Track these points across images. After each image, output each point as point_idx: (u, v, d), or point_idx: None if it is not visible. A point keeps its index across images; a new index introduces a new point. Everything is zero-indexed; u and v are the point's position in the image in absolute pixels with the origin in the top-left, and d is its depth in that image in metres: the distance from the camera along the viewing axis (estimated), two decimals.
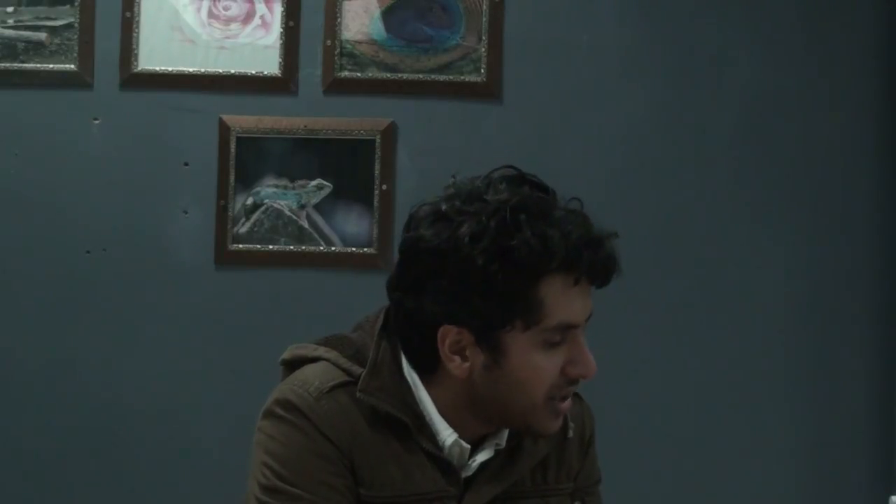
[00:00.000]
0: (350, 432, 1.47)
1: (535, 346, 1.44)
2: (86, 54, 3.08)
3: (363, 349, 1.52)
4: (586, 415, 1.66)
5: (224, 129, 3.08)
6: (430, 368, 1.50)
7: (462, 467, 1.52)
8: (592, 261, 1.43)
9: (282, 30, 3.08)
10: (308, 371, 1.51)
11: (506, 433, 1.54)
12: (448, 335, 1.46)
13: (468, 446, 1.51)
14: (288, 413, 1.47)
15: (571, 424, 1.60)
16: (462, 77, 3.08)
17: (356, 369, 1.50)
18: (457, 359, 1.46)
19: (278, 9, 3.09)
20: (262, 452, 1.48)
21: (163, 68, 3.08)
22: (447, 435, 1.50)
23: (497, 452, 1.53)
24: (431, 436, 1.50)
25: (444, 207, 1.46)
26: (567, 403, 1.50)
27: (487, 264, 1.40)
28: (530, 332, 1.44)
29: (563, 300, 1.44)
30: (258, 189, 3.08)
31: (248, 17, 3.09)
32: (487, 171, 1.50)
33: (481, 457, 1.52)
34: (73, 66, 3.09)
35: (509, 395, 1.46)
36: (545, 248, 1.41)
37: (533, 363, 1.45)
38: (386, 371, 1.49)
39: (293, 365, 1.55)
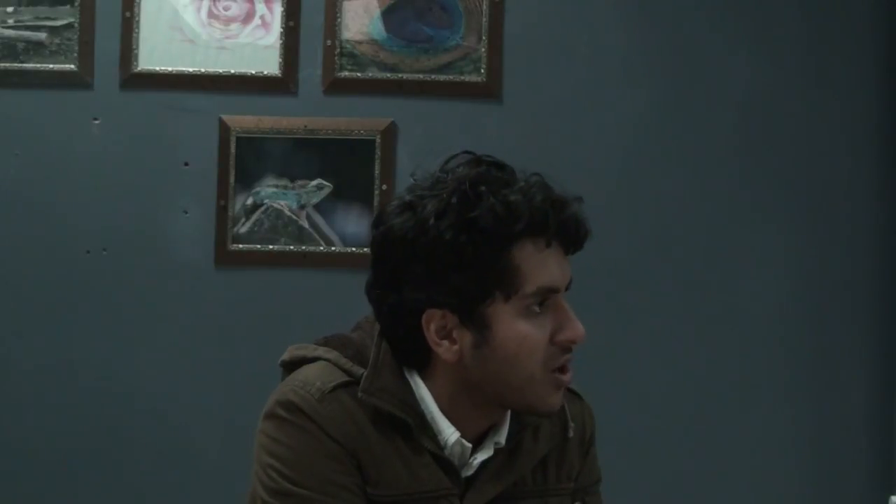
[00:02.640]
0: (354, 432, 1.46)
1: (519, 316, 1.45)
2: (86, 54, 3.08)
3: (363, 349, 1.52)
4: (587, 415, 1.65)
5: (224, 129, 3.08)
6: (422, 362, 1.50)
7: (463, 466, 1.52)
8: (560, 220, 1.44)
9: (282, 30, 3.08)
10: (308, 371, 1.51)
11: (506, 431, 1.54)
12: (432, 320, 1.46)
13: (469, 445, 1.51)
14: (291, 414, 1.47)
15: (572, 424, 1.60)
16: (462, 77, 3.08)
17: (357, 370, 1.50)
18: (445, 343, 1.47)
19: (278, 9, 3.09)
20: (266, 455, 1.47)
21: (163, 68, 3.08)
22: (449, 434, 1.50)
23: (498, 452, 1.53)
24: (433, 435, 1.50)
25: (407, 198, 1.48)
26: (568, 375, 1.49)
27: (456, 238, 1.42)
28: (512, 303, 1.44)
29: (538, 264, 1.44)
30: (258, 189, 3.08)
31: (248, 17, 3.09)
32: (444, 160, 1.52)
33: (481, 455, 1.52)
34: (73, 66, 3.09)
35: (503, 371, 1.46)
36: (509, 212, 1.42)
37: (520, 333, 1.45)
38: (387, 371, 1.49)
39: (293, 366, 1.55)
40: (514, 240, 1.43)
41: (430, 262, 1.43)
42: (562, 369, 1.48)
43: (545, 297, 1.46)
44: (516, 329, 1.45)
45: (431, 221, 1.43)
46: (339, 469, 1.45)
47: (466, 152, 1.52)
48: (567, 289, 1.49)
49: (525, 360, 1.45)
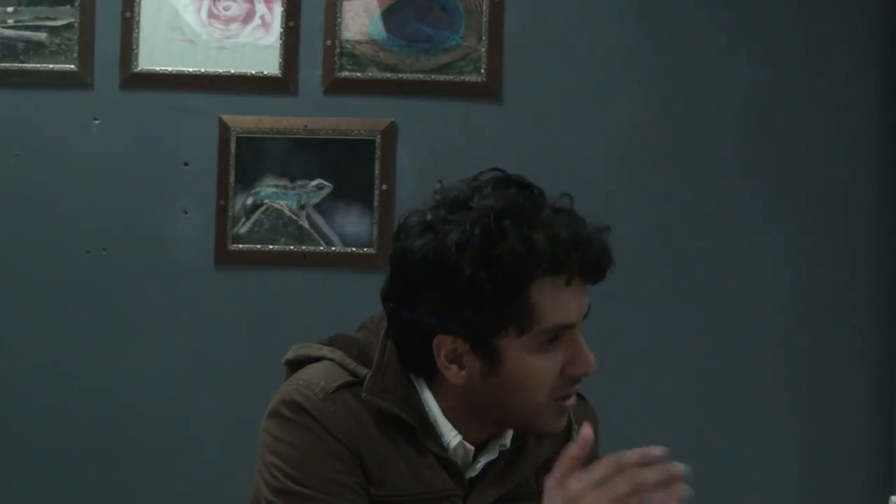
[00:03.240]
0: (358, 432, 1.46)
1: (531, 351, 1.44)
2: (86, 54, 3.08)
3: (368, 350, 1.52)
4: (590, 416, 1.66)
5: (224, 129, 3.07)
6: (429, 375, 1.50)
7: (466, 468, 1.52)
8: (582, 260, 1.42)
9: (282, 30, 3.08)
10: (313, 371, 1.51)
11: (510, 434, 1.54)
12: (443, 344, 1.45)
13: (472, 448, 1.51)
14: (295, 414, 1.46)
15: (576, 426, 1.60)
16: (462, 77, 3.08)
17: (361, 370, 1.50)
18: (454, 367, 1.46)
19: (278, 9, 3.08)
20: (270, 454, 1.47)
21: (163, 68, 3.08)
22: (452, 437, 1.50)
23: (501, 454, 1.53)
24: (436, 437, 1.50)
25: (429, 217, 1.45)
26: (571, 401, 1.49)
27: (475, 273, 1.40)
28: (525, 338, 1.43)
29: (556, 302, 1.43)
30: (258, 189, 3.08)
31: (248, 17, 3.09)
32: (473, 174, 1.49)
33: (485, 458, 1.52)
34: (73, 66, 3.08)
35: (510, 399, 1.46)
36: (531, 252, 1.40)
37: (530, 367, 1.44)
38: (391, 372, 1.49)
39: (297, 365, 1.55)
40: (534, 279, 1.41)
41: (447, 291, 1.42)
42: (565, 397, 1.48)
43: (560, 334, 1.45)
44: (527, 363, 1.44)
45: (452, 251, 1.41)
46: (343, 469, 1.45)
47: (496, 169, 1.49)
48: (585, 316, 1.47)
49: (532, 391, 1.45)
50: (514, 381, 1.44)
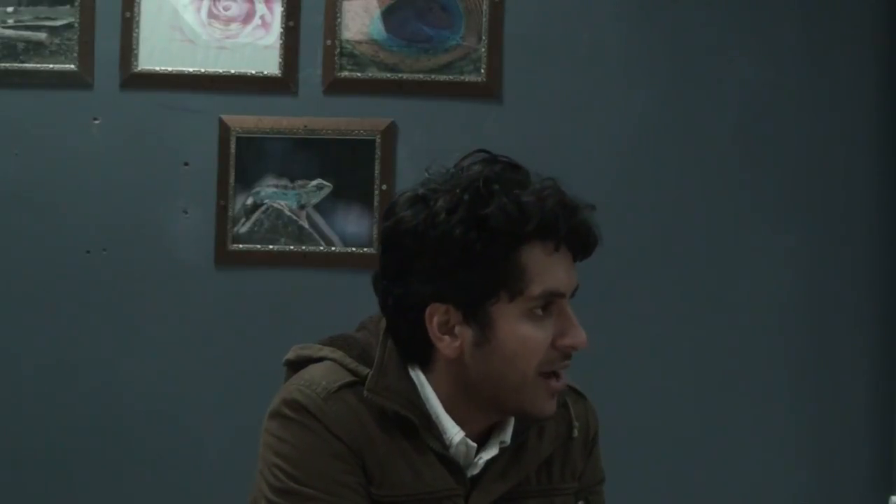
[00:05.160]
0: (360, 432, 1.46)
1: (523, 317, 1.44)
2: (86, 54, 3.08)
3: (368, 349, 1.52)
4: (590, 414, 1.65)
5: (224, 129, 3.08)
6: (424, 358, 1.50)
7: (468, 466, 1.52)
8: (570, 225, 1.44)
9: (282, 30, 3.08)
10: (314, 371, 1.51)
11: (510, 429, 1.53)
12: (435, 314, 1.46)
13: (474, 445, 1.51)
14: (296, 414, 1.46)
15: (576, 424, 1.60)
16: (462, 77, 3.08)
17: (362, 369, 1.50)
18: (446, 338, 1.47)
19: (278, 9, 3.08)
20: (272, 454, 1.47)
21: (163, 68, 3.08)
22: (454, 434, 1.50)
23: (502, 451, 1.53)
24: (438, 435, 1.50)
25: (420, 191, 1.48)
26: (561, 382, 1.49)
27: (465, 234, 1.42)
28: (516, 303, 1.44)
29: (546, 267, 1.44)
30: (258, 189, 3.08)
31: (248, 17, 3.09)
32: (459, 158, 1.52)
33: (486, 454, 1.52)
34: (73, 66, 3.09)
35: (500, 371, 1.46)
36: (521, 212, 1.42)
37: (521, 334, 1.45)
38: (392, 371, 1.49)
39: (297, 365, 1.55)
40: (524, 241, 1.43)
41: (438, 256, 1.43)
42: (555, 375, 1.48)
43: (550, 301, 1.45)
44: (518, 330, 1.45)
45: (442, 216, 1.43)
46: (344, 469, 1.45)
47: (482, 150, 1.52)
48: (572, 296, 1.48)
49: (522, 361, 1.45)
50: (505, 350, 1.45)
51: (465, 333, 1.46)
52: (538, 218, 1.42)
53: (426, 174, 1.52)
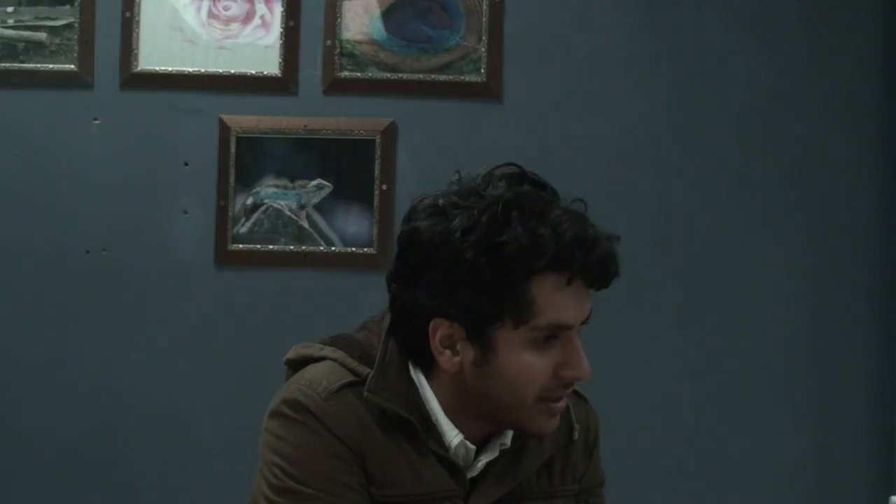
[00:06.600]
0: (360, 432, 1.46)
1: (526, 345, 1.44)
2: (86, 54, 3.08)
3: (369, 349, 1.52)
4: (591, 416, 1.65)
5: (224, 129, 3.07)
6: (426, 364, 1.50)
7: (468, 468, 1.52)
8: (585, 261, 1.42)
9: (282, 30, 3.08)
10: (314, 371, 1.51)
11: (510, 433, 1.53)
12: (439, 328, 1.46)
13: (473, 447, 1.51)
14: (297, 413, 1.47)
15: (577, 426, 1.60)
16: (462, 77, 3.08)
17: (363, 369, 1.50)
18: (447, 353, 1.46)
19: (278, 9, 3.08)
20: (271, 453, 1.47)
21: (163, 68, 3.08)
22: (453, 436, 1.50)
23: (503, 454, 1.53)
24: (438, 436, 1.50)
25: (441, 202, 1.46)
26: (561, 404, 1.49)
27: (476, 258, 1.40)
28: (520, 331, 1.43)
29: (555, 300, 1.42)
30: (258, 189, 3.08)
31: (248, 17, 3.09)
32: (490, 167, 1.50)
33: (486, 457, 1.52)
34: (73, 66, 3.08)
35: (498, 392, 1.45)
36: (535, 245, 1.40)
37: (523, 362, 1.44)
38: (393, 372, 1.49)
39: (298, 365, 1.55)
40: (535, 272, 1.41)
41: (448, 274, 1.42)
42: (556, 399, 1.48)
43: (555, 333, 1.44)
44: (520, 357, 1.44)
45: (457, 234, 1.41)
46: (344, 468, 1.45)
47: (512, 164, 1.49)
48: (585, 322, 1.47)
49: (521, 388, 1.45)
50: (505, 374, 1.44)
51: (467, 351, 1.46)
52: (552, 253, 1.40)
53: (456, 174, 1.50)
